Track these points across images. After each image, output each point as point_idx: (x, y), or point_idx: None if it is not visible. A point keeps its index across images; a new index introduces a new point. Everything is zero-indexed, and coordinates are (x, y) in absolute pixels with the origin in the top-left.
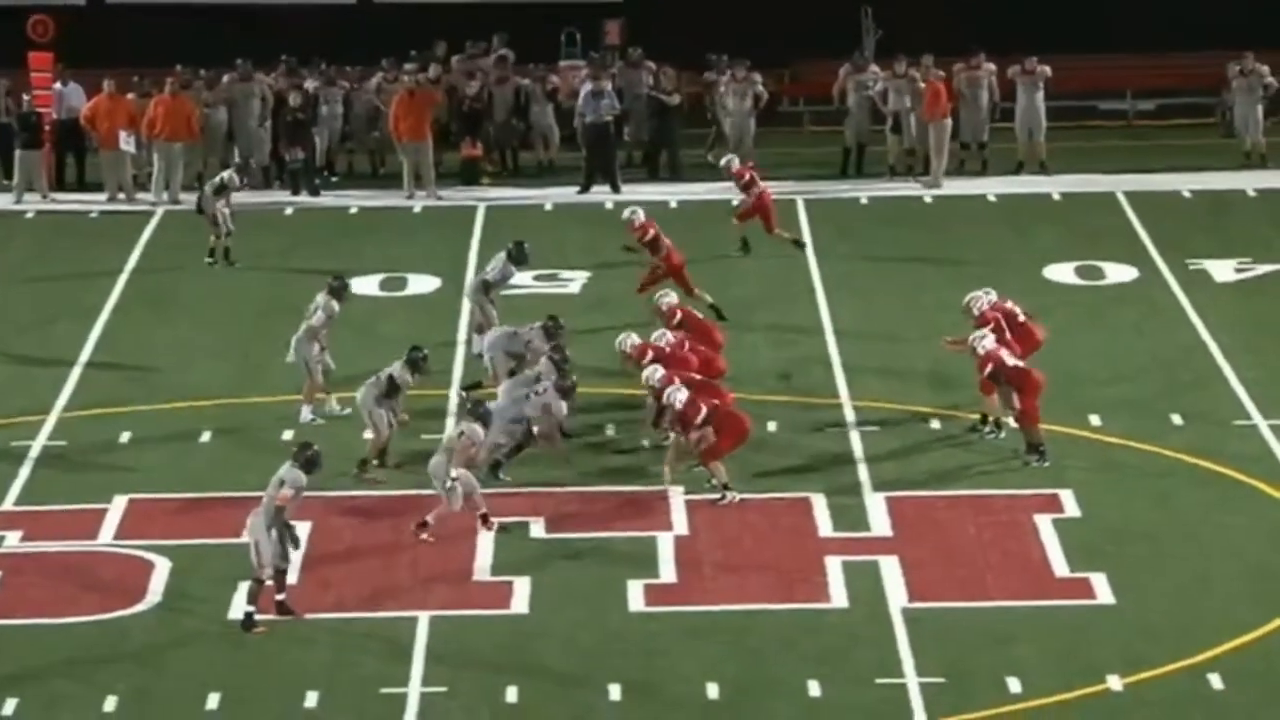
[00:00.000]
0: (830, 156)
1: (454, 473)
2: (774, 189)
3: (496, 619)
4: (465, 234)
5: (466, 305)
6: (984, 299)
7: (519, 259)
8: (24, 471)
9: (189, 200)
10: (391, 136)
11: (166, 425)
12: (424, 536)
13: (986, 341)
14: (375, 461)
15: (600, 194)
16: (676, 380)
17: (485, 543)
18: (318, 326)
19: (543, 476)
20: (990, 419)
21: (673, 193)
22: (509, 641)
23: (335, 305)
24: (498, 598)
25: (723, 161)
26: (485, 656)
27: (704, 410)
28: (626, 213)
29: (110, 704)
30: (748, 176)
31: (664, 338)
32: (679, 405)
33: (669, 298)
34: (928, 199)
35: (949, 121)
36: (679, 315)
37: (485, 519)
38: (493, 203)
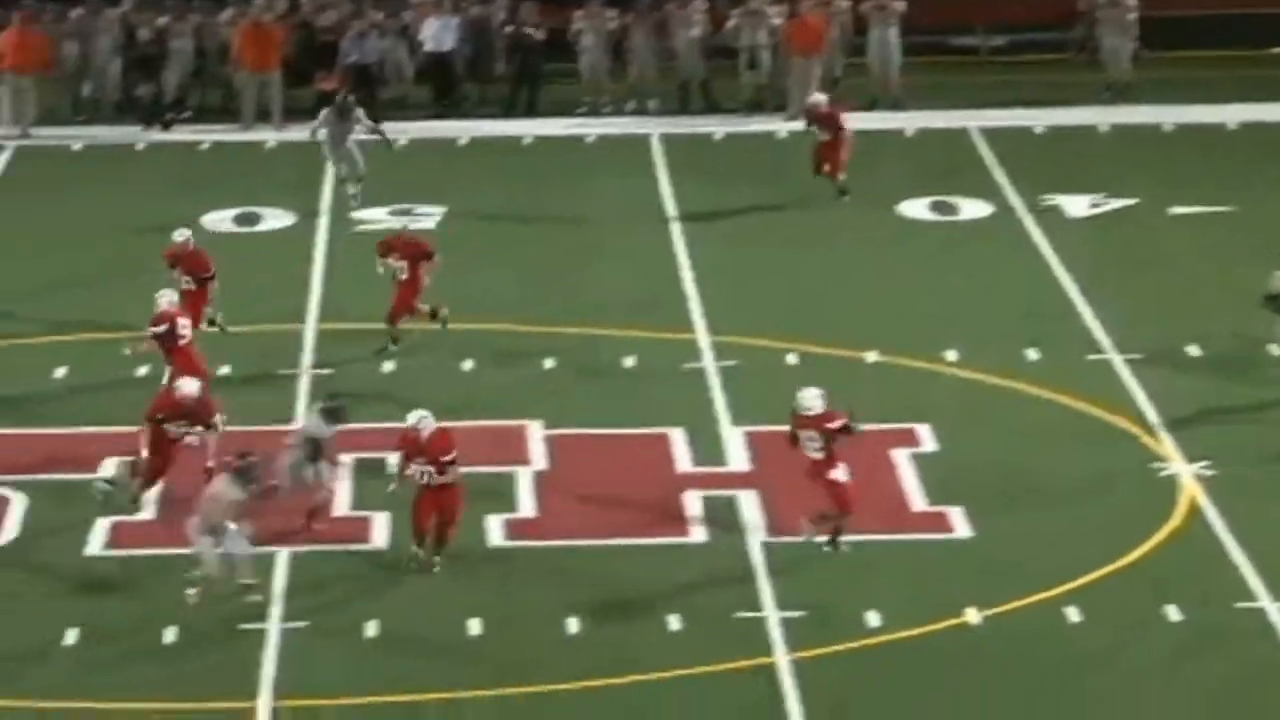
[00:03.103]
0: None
1: None
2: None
3: None
4: (318, 169)
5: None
6: None
7: (345, 108)
8: None
9: (40, 135)
10: (237, 68)
11: (20, 359)
12: None
13: None
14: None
15: (456, 128)
16: None
17: None
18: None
19: None
20: None
21: (529, 129)
22: None
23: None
24: None
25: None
26: None
27: None
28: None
29: None
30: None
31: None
32: None
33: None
34: (782, 134)
35: (821, 57)
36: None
37: None
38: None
